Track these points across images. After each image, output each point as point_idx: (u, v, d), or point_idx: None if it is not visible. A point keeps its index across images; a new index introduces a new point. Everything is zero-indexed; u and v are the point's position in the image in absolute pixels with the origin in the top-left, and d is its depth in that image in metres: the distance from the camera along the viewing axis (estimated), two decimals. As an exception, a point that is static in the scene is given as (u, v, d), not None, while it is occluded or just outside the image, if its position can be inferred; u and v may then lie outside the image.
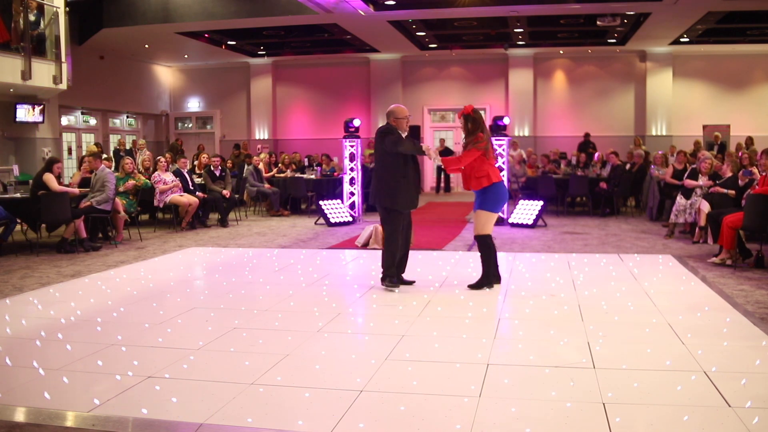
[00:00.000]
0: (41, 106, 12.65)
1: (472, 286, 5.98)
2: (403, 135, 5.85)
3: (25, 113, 12.44)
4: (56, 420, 3.24)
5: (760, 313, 5.12)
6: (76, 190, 8.88)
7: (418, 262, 7.52)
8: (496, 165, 6.46)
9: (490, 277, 5.98)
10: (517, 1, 12.74)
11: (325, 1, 12.57)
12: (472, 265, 7.08)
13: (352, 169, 11.74)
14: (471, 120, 5.89)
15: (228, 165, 13.49)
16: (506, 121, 11.38)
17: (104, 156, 12.14)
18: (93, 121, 17.82)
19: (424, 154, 5.86)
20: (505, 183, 11.11)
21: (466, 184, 5.99)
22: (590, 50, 18.20)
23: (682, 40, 16.58)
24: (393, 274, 5.99)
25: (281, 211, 13.09)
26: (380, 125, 6.29)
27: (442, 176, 18.61)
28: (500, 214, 6.14)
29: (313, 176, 13.61)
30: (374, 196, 5.99)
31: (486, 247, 5.91)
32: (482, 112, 20.75)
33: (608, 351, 4.17)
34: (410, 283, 6.16)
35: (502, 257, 7.94)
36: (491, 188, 5.85)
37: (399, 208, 5.86)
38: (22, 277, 6.88)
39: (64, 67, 12.22)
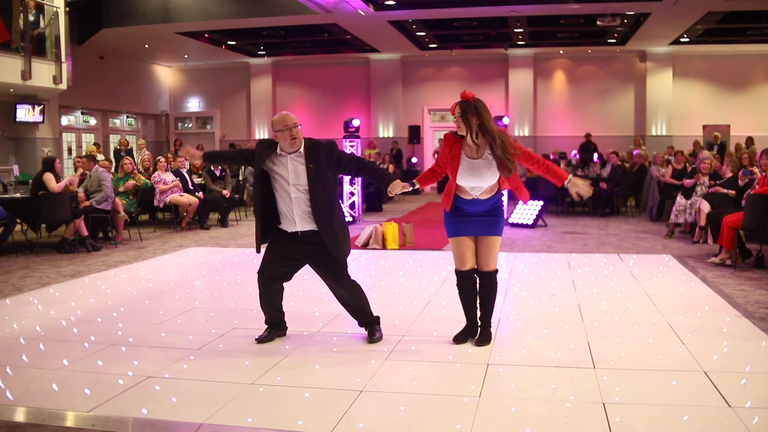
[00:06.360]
0: (41, 106, 12.65)
1: (482, 342, 4.32)
2: (287, 152, 4.20)
3: (25, 113, 12.45)
4: (56, 420, 3.24)
5: (760, 313, 5.12)
6: (83, 195, 8.85)
7: (418, 262, 7.52)
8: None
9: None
10: (517, 1, 12.75)
11: (325, 1, 12.57)
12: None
13: (352, 169, 11.71)
14: (473, 111, 4.21)
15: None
16: (506, 121, 11.38)
17: (101, 158, 12.09)
18: (93, 121, 17.82)
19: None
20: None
21: (520, 193, 4.43)
22: (590, 50, 18.22)
23: (682, 40, 16.60)
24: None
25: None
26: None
27: None
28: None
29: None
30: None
31: (497, 284, 4.35)
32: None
33: (608, 351, 4.17)
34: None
35: (502, 257, 7.95)
36: (502, 200, 4.39)
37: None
38: (22, 277, 6.88)
39: (64, 67, 12.23)
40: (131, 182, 9.91)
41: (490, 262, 4.24)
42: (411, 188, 4.31)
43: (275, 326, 4.55)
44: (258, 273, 4.41)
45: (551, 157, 14.74)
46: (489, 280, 4.27)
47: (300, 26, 15.31)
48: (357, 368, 3.90)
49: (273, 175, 4.24)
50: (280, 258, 4.34)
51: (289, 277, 4.46)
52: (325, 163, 4.20)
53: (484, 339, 4.33)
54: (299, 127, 4.21)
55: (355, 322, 4.60)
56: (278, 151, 4.22)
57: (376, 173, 4.40)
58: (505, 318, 5.07)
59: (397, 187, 4.21)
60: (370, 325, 4.49)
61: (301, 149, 4.20)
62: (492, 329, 4.46)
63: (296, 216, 4.21)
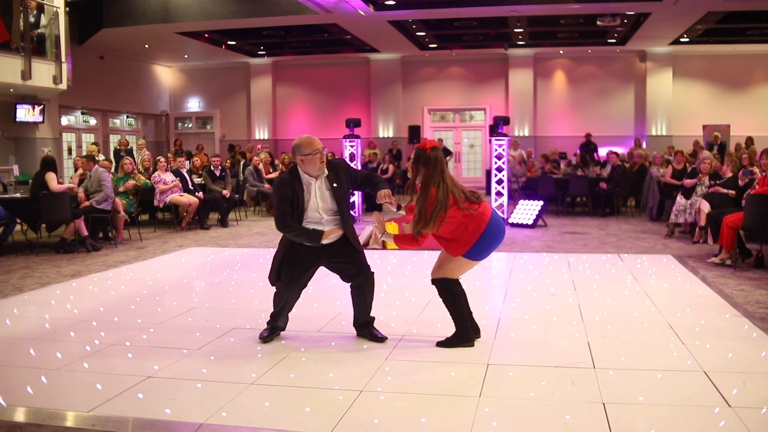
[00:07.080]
0: (41, 106, 12.65)
1: (443, 344, 4.30)
2: (313, 176, 4.27)
3: (25, 113, 12.44)
4: (56, 420, 3.24)
5: (760, 313, 5.12)
6: (83, 195, 8.87)
7: (419, 262, 7.52)
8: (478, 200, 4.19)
9: (467, 330, 4.29)
10: (517, 1, 12.75)
11: (325, 1, 12.57)
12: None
13: (352, 169, 11.72)
14: (423, 161, 4.05)
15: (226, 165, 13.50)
16: (508, 122, 11.41)
17: (102, 158, 12.08)
18: (93, 121, 17.81)
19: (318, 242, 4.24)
20: (505, 184, 11.19)
21: (450, 250, 4.19)
22: (590, 50, 18.21)
23: (682, 40, 16.59)
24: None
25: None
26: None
27: None
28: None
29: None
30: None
31: (450, 294, 4.27)
32: (482, 111, 20.40)
33: (608, 351, 4.17)
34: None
35: (501, 257, 7.95)
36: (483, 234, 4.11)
37: None
38: (22, 277, 6.88)
39: (64, 67, 12.22)
40: (131, 182, 9.91)
41: (434, 271, 4.31)
42: (396, 209, 4.43)
43: (280, 328, 4.56)
44: (282, 283, 4.37)
45: (551, 157, 14.72)
46: (435, 287, 4.31)
47: (300, 26, 15.30)
48: (357, 368, 3.90)
49: (301, 204, 4.27)
50: (308, 265, 4.37)
51: (306, 284, 4.50)
52: (345, 182, 4.37)
53: (444, 341, 4.31)
54: (325, 149, 4.40)
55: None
56: (302, 178, 4.28)
57: (376, 186, 4.49)
58: (505, 318, 5.07)
59: (385, 197, 4.26)
60: (367, 325, 4.51)
61: (325, 170, 4.31)
62: (492, 329, 4.46)
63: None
